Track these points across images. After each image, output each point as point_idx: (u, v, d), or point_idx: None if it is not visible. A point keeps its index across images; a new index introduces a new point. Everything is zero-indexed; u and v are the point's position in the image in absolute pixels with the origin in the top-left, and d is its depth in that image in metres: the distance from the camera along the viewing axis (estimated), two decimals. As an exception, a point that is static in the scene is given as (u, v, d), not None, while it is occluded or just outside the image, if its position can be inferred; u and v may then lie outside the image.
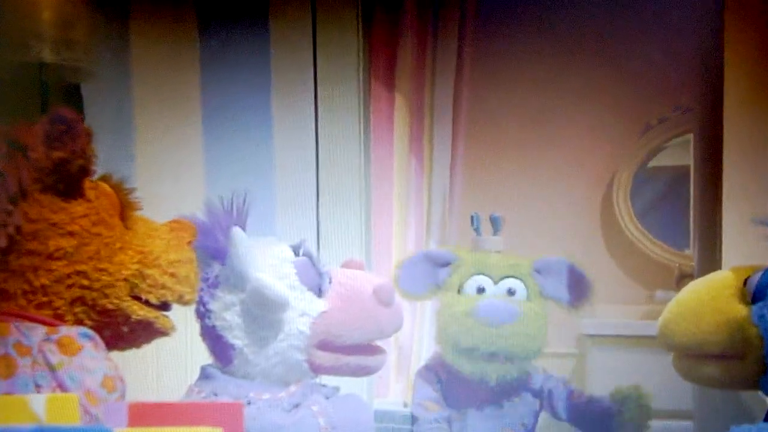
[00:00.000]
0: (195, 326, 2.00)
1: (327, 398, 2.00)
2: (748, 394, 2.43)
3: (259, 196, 2.80)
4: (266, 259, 1.94)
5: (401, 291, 2.31)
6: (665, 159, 3.84)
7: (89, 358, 1.60)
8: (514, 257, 2.41)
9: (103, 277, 1.69)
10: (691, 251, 3.56)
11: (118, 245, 1.71)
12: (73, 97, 2.42)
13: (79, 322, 1.68)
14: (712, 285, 2.07)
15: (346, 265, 2.11)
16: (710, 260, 2.86)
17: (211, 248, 1.93)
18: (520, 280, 2.33)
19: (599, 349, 3.38)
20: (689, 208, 3.54)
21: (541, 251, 2.48)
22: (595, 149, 3.74)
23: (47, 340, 1.60)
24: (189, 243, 1.81)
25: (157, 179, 2.57)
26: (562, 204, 3.66)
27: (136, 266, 1.72)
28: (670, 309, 2.10)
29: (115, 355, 1.72)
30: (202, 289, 1.91)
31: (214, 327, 1.94)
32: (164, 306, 1.79)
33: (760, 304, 1.96)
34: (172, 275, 1.74)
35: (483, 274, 2.33)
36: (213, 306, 1.93)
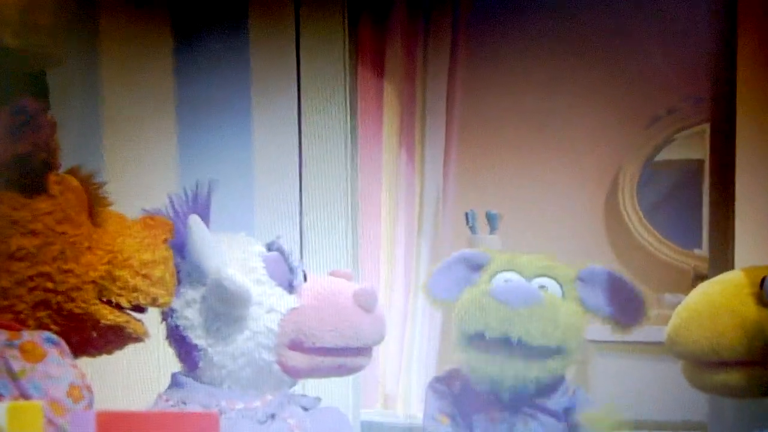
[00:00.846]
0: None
1: (306, 410, 2.00)
2: (764, 402, 2.44)
3: (237, 196, 2.82)
4: (232, 252, 1.94)
5: (433, 299, 2.28)
6: (675, 152, 3.85)
7: (54, 365, 1.60)
8: (555, 260, 2.28)
9: (69, 280, 1.67)
10: (702, 251, 3.59)
11: (85, 245, 1.70)
12: (38, 85, 2.41)
13: (43, 327, 1.67)
14: (726, 287, 2.05)
15: (334, 274, 2.10)
16: (723, 261, 2.87)
17: (173, 242, 1.92)
18: (556, 281, 2.20)
19: (603, 356, 3.39)
20: (701, 205, 3.56)
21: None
22: (598, 142, 3.75)
23: (9, 345, 1.59)
24: (165, 241, 1.80)
25: (127, 172, 2.58)
26: (563, 201, 3.68)
27: (105, 267, 1.71)
28: (679, 314, 2.08)
29: (82, 360, 1.72)
30: None
31: (177, 326, 1.94)
32: (137, 309, 1.78)
33: None
34: (145, 277, 1.73)
35: (514, 270, 2.23)
36: (175, 303, 1.90)
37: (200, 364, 1.93)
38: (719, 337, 1.99)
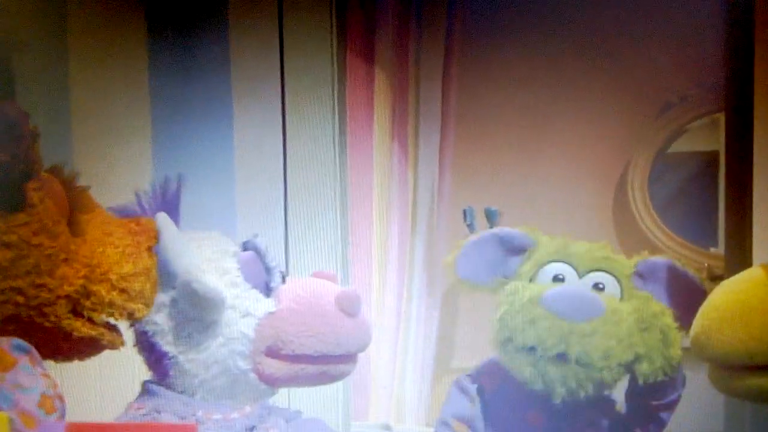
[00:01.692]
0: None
1: (287, 422, 2.01)
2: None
3: (217, 195, 2.82)
4: (203, 252, 1.93)
5: (460, 279, 2.20)
6: (688, 143, 3.85)
7: (25, 374, 1.60)
8: (610, 251, 2.18)
9: (42, 294, 1.67)
10: (718, 250, 3.60)
11: (61, 257, 1.70)
12: (2, 72, 2.41)
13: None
14: (755, 286, 2.03)
15: (317, 276, 2.08)
16: (741, 260, 2.88)
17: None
18: (614, 276, 2.11)
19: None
20: (717, 201, 3.57)
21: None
22: (605, 133, 3.75)
23: (-25, 353, 1.59)
24: (149, 249, 1.80)
25: (96, 167, 2.58)
26: (569, 197, 3.68)
27: (80, 282, 1.70)
28: (707, 315, 2.05)
29: (53, 366, 1.72)
30: None
31: (145, 332, 1.93)
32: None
33: None
34: (123, 291, 1.73)
35: (564, 261, 2.11)
36: None
37: (171, 373, 1.93)
38: (754, 340, 1.96)
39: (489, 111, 3.75)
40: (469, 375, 2.21)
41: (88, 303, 1.71)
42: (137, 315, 1.77)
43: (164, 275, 1.87)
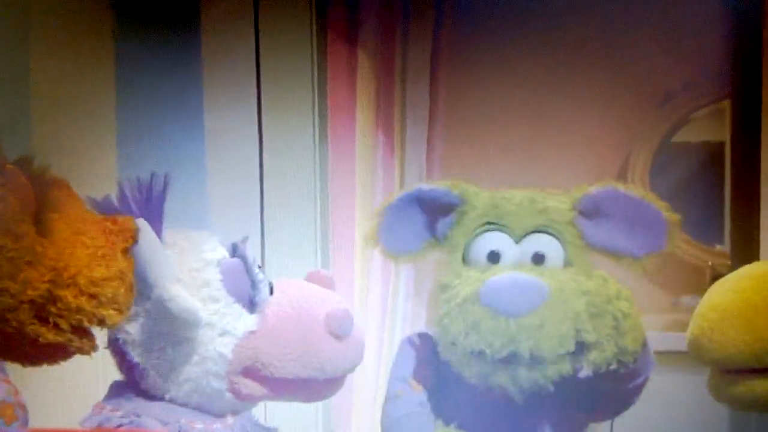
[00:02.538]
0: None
1: None
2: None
3: (187, 192, 2.82)
4: (185, 260, 1.89)
5: (384, 249, 2.11)
6: (692, 134, 3.87)
7: (-18, 381, 1.60)
8: (547, 195, 2.07)
9: (3, 299, 1.65)
10: (725, 247, 3.62)
11: (25, 259, 1.67)
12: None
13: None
14: (759, 282, 2.02)
15: (311, 278, 2.04)
16: (747, 257, 2.89)
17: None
18: (554, 236, 2.01)
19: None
20: (723, 195, 3.60)
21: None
22: (605, 123, 3.76)
23: (-70, 359, 1.59)
24: (125, 250, 1.78)
25: (57, 160, 2.57)
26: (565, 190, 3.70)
27: (45, 286, 1.67)
28: (706, 315, 2.02)
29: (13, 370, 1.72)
30: None
31: (117, 339, 1.90)
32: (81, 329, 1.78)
33: None
34: (92, 297, 1.70)
35: (498, 226, 2.00)
36: None
37: (142, 385, 1.91)
38: (760, 342, 1.95)
39: (480, 100, 3.76)
40: (420, 335, 2.13)
41: (53, 309, 1.68)
42: (109, 322, 1.74)
43: (141, 284, 1.81)
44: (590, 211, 2.04)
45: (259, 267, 1.93)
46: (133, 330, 1.88)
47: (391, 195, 2.15)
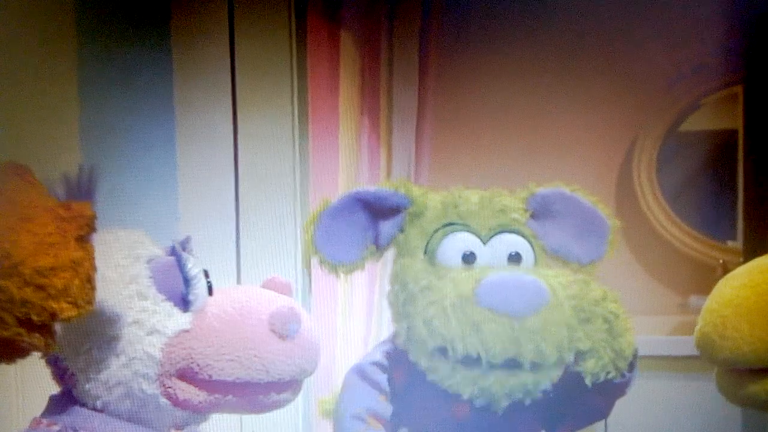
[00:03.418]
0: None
1: None
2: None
3: (155, 186, 2.81)
4: (111, 256, 1.89)
5: (321, 258, 2.07)
6: (702, 121, 3.88)
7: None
8: (497, 193, 2.06)
9: None
10: (737, 243, 3.62)
11: None
12: None
13: None
14: None
15: (266, 285, 2.03)
16: (761, 253, 2.90)
17: None
18: (520, 233, 2.02)
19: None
20: (735, 187, 3.60)
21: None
22: (607, 109, 3.77)
23: None
24: (79, 239, 1.77)
25: (14, 149, 2.57)
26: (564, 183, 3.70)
27: None
28: (717, 311, 2.01)
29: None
30: None
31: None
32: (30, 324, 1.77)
33: None
34: (40, 288, 1.71)
35: (461, 226, 2.01)
36: None
37: (74, 392, 1.92)
38: None
39: (473, 84, 3.77)
40: (374, 363, 2.10)
41: (-6, 302, 1.69)
42: (62, 316, 1.74)
43: None
44: (538, 212, 2.06)
45: (205, 271, 1.93)
46: (58, 331, 1.87)
47: (325, 200, 2.08)
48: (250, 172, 3.05)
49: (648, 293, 3.74)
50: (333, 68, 3.26)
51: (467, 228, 1.99)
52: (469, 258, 1.97)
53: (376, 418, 2.04)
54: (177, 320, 1.87)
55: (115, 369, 1.86)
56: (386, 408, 2.06)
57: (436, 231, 2.00)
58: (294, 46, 3.09)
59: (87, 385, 1.88)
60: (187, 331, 1.87)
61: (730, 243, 3.76)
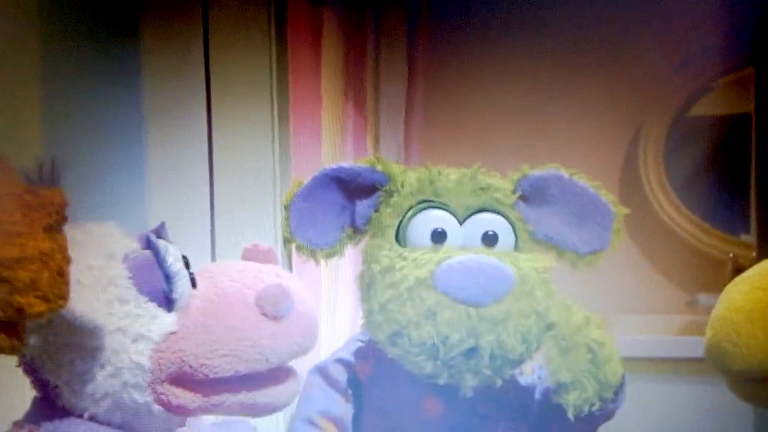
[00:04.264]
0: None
1: None
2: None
3: (121, 174, 2.81)
4: (86, 257, 1.85)
5: (297, 244, 2.05)
6: (713, 105, 3.89)
7: None
8: (481, 172, 2.01)
9: None
10: (750, 237, 3.62)
11: None
12: None
13: None
14: None
15: (248, 255, 2.00)
16: (776, 248, 2.91)
17: None
18: (501, 214, 1.97)
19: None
20: (749, 176, 3.59)
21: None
22: (612, 92, 3.78)
23: None
24: (48, 228, 1.76)
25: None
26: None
27: None
28: (729, 318, 1.98)
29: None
30: None
31: (24, 355, 1.92)
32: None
33: None
34: (4, 281, 1.71)
35: (437, 204, 1.97)
36: None
37: (59, 403, 1.91)
38: None
39: (468, 66, 3.77)
40: (337, 360, 2.11)
41: (-46, 296, 1.68)
42: (30, 312, 1.72)
43: None
44: (531, 196, 2.03)
45: (185, 258, 1.89)
46: (36, 342, 1.85)
47: (298, 181, 2.05)
48: (225, 161, 3.05)
49: (653, 290, 3.74)
50: (315, 50, 3.26)
51: (443, 206, 1.95)
52: (438, 237, 1.93)
53: (332, 420, 2.05)
54: (162, 322, 1.83)
55: (101, 380, 1.83)
56: (345, 409, 2.06)
57: (409, 208, 1.97)
58: (273, 24, 3.09)
59: (72, 399, 1.85)
60: (174, 332, 1.84)
61: (742, 236, 3.76)
